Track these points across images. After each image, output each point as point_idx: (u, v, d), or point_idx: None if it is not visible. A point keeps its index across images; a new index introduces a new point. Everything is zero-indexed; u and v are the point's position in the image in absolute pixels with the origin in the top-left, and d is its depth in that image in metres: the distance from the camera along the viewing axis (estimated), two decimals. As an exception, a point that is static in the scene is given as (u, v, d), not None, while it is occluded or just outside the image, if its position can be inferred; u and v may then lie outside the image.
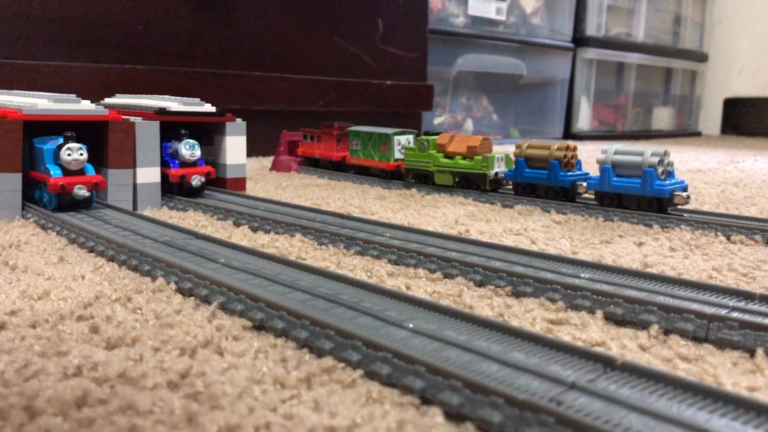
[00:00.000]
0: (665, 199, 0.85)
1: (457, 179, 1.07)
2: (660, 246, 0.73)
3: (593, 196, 0.93)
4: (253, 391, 0.36)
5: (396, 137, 1.17)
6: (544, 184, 0.97)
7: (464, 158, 1.05)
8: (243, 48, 1.65)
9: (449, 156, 1.08)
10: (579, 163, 0.99)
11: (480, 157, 1.03)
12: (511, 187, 1.04)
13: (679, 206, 0.87)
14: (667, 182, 0.85)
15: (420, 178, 1.13)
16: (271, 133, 1.57)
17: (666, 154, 0.86)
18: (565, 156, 0.96)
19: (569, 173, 0.96)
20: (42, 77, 1.35)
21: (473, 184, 1.05)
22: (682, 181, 0.88)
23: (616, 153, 0.89)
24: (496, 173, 1.03)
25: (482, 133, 2.50)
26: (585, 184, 0.94)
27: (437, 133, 1.11)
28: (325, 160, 1.34)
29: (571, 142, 0.95)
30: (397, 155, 1.18)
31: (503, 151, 1.14)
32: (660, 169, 0.85)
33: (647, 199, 0.86)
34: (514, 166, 1.01)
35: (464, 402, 0.33)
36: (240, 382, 0.36)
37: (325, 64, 1.80)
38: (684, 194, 0.85)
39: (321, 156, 1.34)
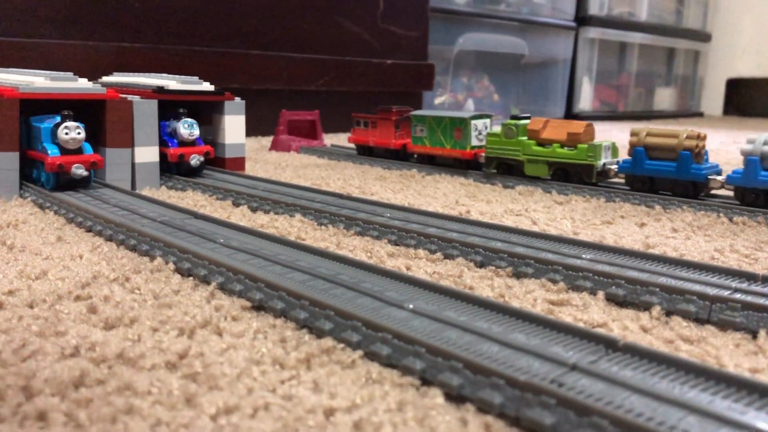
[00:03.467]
0: None
1: (553, 170, 0.95)
2: (662, 227, 0.72)
3: (731, 193, 0.82)
4: (252, 371, 0.35)
5: (473, 121, 1.05)
6: (671, 179, 0.84)
7: (563, 146, 0.94)
8: (242, 26, 1.63)
9: (544, 143, 0.96)
10: (707, 153, 0.86)
11: (585, 146, 0.91)
12: (618, 179, 0.92)
13: None
14: None
15: (504, 169, 1.01)
16: (270, 112, 1.56)
17: None
18: (696, 146, 0.83)
19: (702, 166, 0.83)
20: (39, 55, 1.34)
21: (574, 176, 0.93)
22: None
23: (765, 143, 0.78)
24: (604, 164, 0.91)
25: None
26: (719, 177, 0.82)
27: (525, 117, 1.00)
28: (381, 149, 1.23)
29: (699, 130, 0.85)
30: (474, 142, 1.06)
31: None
32: None
33: None
34: (630, 156, 0.88)
35: (465, 383, 0.33)
36: (239, 363, 0.36)
37: (325, 42, 1.78)
38: None
39: (376, 144, 1.22)
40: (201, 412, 0.31)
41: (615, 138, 1.58)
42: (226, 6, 1.60)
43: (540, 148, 0.96)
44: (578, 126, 0.93)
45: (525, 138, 0.97)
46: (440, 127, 1.09)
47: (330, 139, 1.63)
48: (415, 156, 1.17)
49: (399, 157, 1.20)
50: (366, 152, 1.26)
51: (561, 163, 0.94)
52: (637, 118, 3.00)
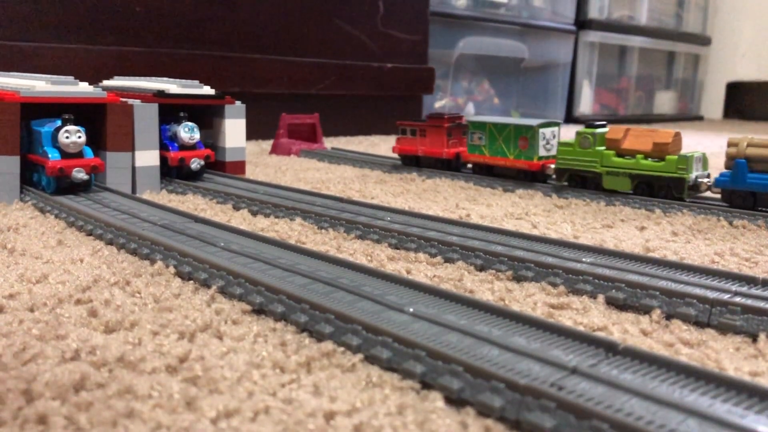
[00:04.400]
0: None
1: (635, 184, 0.87)
2: (662, 230, 0.72)
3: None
4: (253, 375, 0.35)
5: (541, 130, 0.97)
6: None
7: (647, 158, 0.86)
8: (243, 30, 1.64)
9: (625, 154, 0.88)
10: None
11: (675, 158, 0.83)
12: (711, 194, 0.84)
13: None
14: None
15: (577, 181, 0.93)
16: (270, 116, 1.56)
17: None
18: None
19: None
20: (40, 59, 1.34)
21: (660, 190, 0.85)
22: None
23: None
24: (696, 177, 0.83)
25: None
26: None
27: (601, 125, 0.92)
28: (430, 159, 1.13)
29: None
30: (542, 152, 0.98)
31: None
32: None
33: None
34: (728, 169, 0.80)
35: (465, 387, 0.33)
36: (239, 366, 0.36)
37: (325, 46, 1.79)
38: None
39: (425, 153, 1.13)
40: (201, 416, 0.31)
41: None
42: (227, 10, 1.61)
43: (621, 160, 0.87)
44: (665, 135, 0.85)
45: (603, 148, 0.89)
46: (503, 135, 1.00)
47: (330, 143, 1.63)
48: (470, 166, 1.09)
49: (450, 167, 1.12)
50: (412, 162, 1.17)
51: (646, 176, 0.86)
52: (637, 122, 3.00)
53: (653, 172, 0.85)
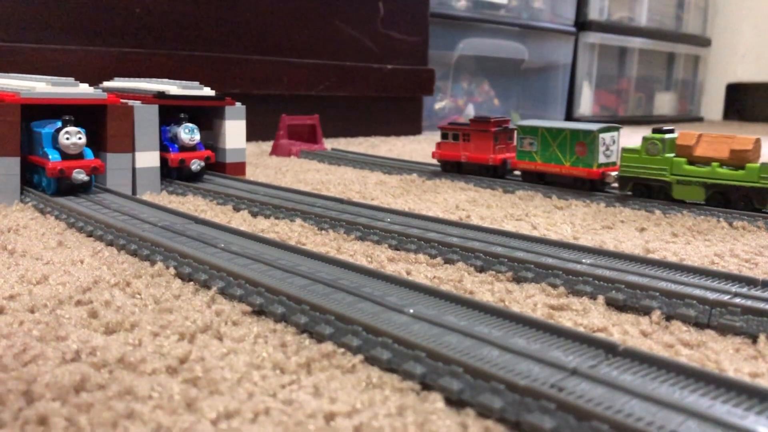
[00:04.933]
0: None
1: (710, 194, 0.81)
2: (662, 232, 0.72)
3: None
4: (253, 376, 0.35)
5: (601, 135, 0.91)
6: None
7: (723, 166, 0.80)
8: (243, 31, 1.64)
9: (698, 162, 0.82)
10: None
11: (757, 166, 0.78)
12: None
13: None
14: None
15: (642, 190, 0.87)
16: (270, 117, 1.56)
17: None
18: None
19: None
20: (40, 61, 1.34)
21: (739, 201, 0.79)
22: None
23: None
24: None
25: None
26: None
27: (669, 130, 0.86)
28: (474, 165, 1.07)
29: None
30: (602, 159, 0.91)
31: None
32: None
33: None
34: None
35: (465, 388, 0.33)
36: (239, 368, 0.36)
37: (325, 47, 1.79)
38: None
39: (470, 159, 1.06)
40: (202, 417, 0.31)
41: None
42: (227, 11, 1.61)
43: (694, 168, 0.81)
44: (744, 142, 0.79)
45: (673, 155, 0.83)
46: (557, 141, 0.94)
47: (330, 144, 1.63)
48: (519, 173, 1.02)
49: (496, 174, 1.05)
50: (454, 169, 1.10)
51: (723, 186, 0.80)
52: (637, 123, 3.00)
53: (731, 182, 0.79)
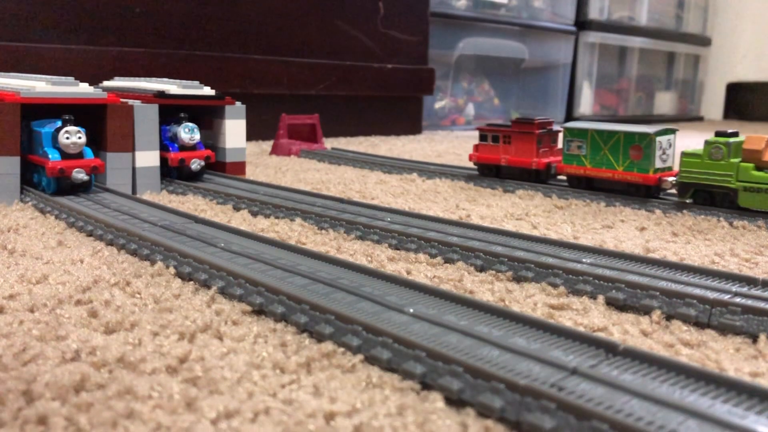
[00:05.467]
0: None
1: None
2: (662, 231, 0.72)
3: None
4: (253, 376, 0.35)
5: (657, 138, 0.85)
6: None
7: None
8: (243, 31, 1.64)
9: (766, 168, 0.77)
10: None
11: None
12: None
13: None
14: None
15: (704, 198, 0.81)
16: (271, 116, 1.56)
17: None
18: None
19: None
20: (40, 60, 1.34)
21: None
22: None
23: None
24: None
25: (482, 117, 2.49)
26: None
27: (732, 134, 0.80)
28: (515, 169, 1.01)
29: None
30: (658, 164, 0.86)
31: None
32: None
33: None
34: None
35: (465, 387, 0.33)
36: (239, 367, 0.36)
37: (326, 47, 1.79)
38: None
39: (511, 163, 1.00)
40: (201, 417, 0.31)
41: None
42: (227, 10, 1.61)
43: (763, 174, 0.76)
44: None
45: (738, 160, 0.78)
46: (609, 144, 0.89)
47: (330, 143, 1.63)
48: (564, 178, 0.97)
49: (539, 179, 0.99)
50: (492, 173, 1.04)
51: None
52: (637, 122, 3.00)
53: None
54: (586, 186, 0.93)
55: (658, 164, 0.86)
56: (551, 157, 0.99)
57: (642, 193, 0.87)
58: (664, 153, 0.87)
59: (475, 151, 1.05)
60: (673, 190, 0.85)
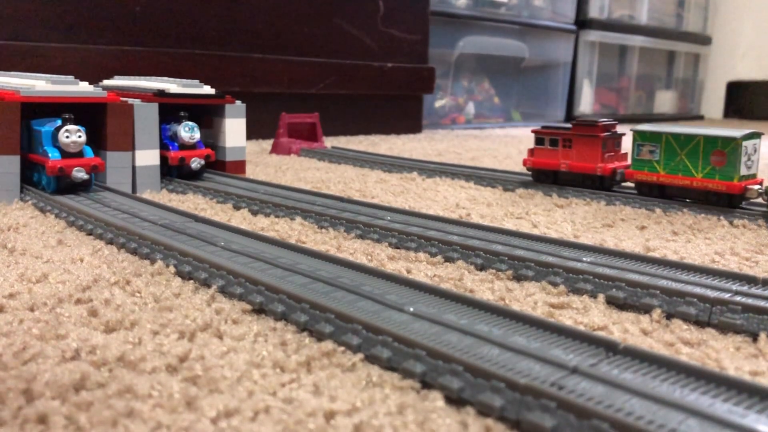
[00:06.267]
0: None
1: None
2: (662, 230, 0.72)
3: None
4: (253, 374, 0.35)
5: (744, 142, 0.78)
6: None
7: None
8: (243, 30, 1.64)
9: None
10: None
11: None
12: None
13: None
14: None
15: None
16: (271, 115, 1.56)
17: None
18: None
19: None
20: (40, 59, 1.34)
21: None
22: None
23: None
24: None
25: (483, 116, 2.49)
26: None
27: None
28: (576, 175, 0.93)
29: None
30: (743, 170, 0.79)
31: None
32: None
33: None
34: None
35: (465, 386, 0.33)
36: (239, 366, 0.36)
37: (326, 46, 1.78)
38: None
39: (571, 169, 0.93)
40: (201, 416, 0.31)
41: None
42: (227, 9, 1.61)
43: None
44: None
45: None
46: (686, 149, 0.81)
47: (330, 142, 1.63)
48: (632, 185, 0.89)
49: (603, 186, 0.91)
50: (549, 179, 0.97)
51: None
52: (638, 121, 3.00)
53: None
54: (658, 194, 0.86)
55: (743, 171, 0.79)
56: (616, 162, 0.92)
57: (724, 202, 0.80)
58: (749, 159, 0.80)
59: (530, 155, 0.98)
60: (760, 200, 0.80)
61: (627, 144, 0.91)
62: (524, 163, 0.99)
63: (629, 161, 0.90)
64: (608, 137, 0.91)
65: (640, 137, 0.86)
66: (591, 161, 0.91)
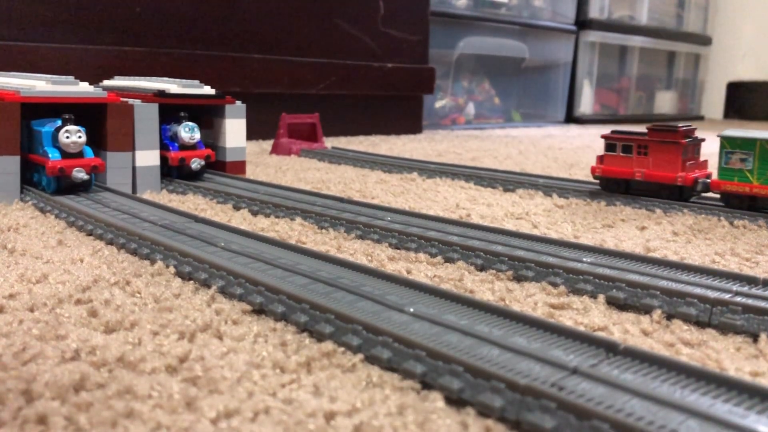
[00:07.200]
0: None
1: None
2: (662, 230, 0.72)
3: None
4: (253, 375, 0.35)
5: None
6: None
7: None
8: (243, 30, 1.64)
9: None
10: None
11: None
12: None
13: None
14: None
15: None
16: (271, 116, 1.56)
17: None
18: None
19: None
20: (40, 59, 1.34)
21: None
22: None
23: None
24: None
25: (483, 117, 2.49)
26: None
27: None
28: (652, 185, 0.85)
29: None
30: None
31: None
32: None
33: None
34: None
35: (465, 387, 0.33)
36: (239, 367, 0.36)
37: (326, 46, 1.78)
38: None
39: (648, 178, 0.85)
40: (201, 416, 0.31)
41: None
42: (227, 10, 1.61)
43: None
44: None
45: None
46: None
47: (330, 142, 1.63)
48: (718, 196, 0.82)
49: (682, 196, 0.84)
50: (621, 188, 0.89)
51: None
52: (638, 122, 3.00)
53: None
54: (749, 207, 0.78)
55: None
56: (697, 170, 0.85)
57: None
58: None
59: (599, 162, 0.90)
60: None
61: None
62: (593, 171, 0.91)
63: (708, 169, 0.84)
64: (689, 143, 0.84)
65: (729, 144, 0.79)
66: (671, 170, 0.83)
